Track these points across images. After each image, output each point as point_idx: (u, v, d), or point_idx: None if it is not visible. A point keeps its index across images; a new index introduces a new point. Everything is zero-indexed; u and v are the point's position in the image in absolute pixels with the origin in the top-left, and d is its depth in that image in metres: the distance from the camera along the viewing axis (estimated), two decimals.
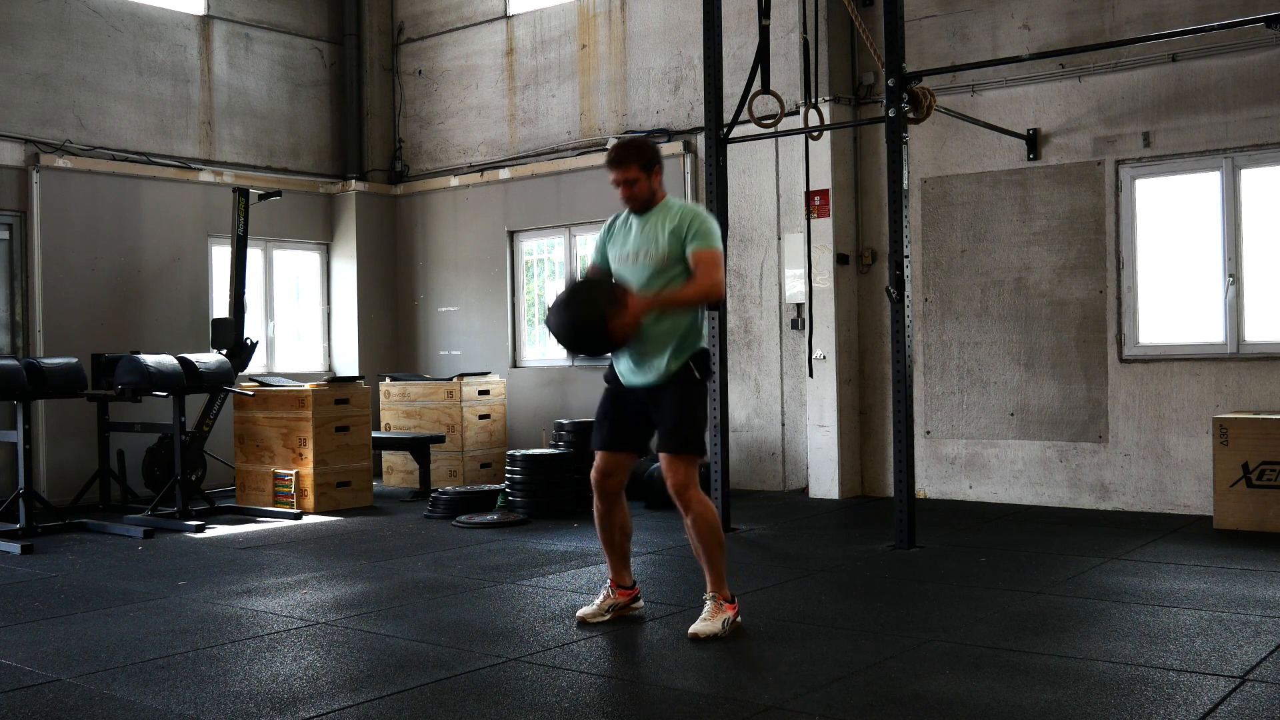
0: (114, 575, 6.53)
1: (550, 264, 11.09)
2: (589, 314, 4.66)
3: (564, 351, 4.93)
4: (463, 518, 8.16)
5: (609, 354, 4.89)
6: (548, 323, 4.81)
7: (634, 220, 4.98)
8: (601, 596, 5.19)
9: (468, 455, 10.25)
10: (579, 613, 5.16)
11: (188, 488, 8.53)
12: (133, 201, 10.20)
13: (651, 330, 4.78)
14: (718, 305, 7.09)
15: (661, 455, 4.86)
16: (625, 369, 4.94)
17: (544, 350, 11.14)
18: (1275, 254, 7.76)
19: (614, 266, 4.97)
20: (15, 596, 5.98)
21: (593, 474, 5.04)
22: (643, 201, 4.91)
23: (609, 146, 4.98)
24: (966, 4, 8.74)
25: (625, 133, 10.33)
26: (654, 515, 8.31)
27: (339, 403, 9.11)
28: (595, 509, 5.09)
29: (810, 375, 8.90)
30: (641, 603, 5.27)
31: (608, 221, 5.11)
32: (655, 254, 4.83)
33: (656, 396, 4.87)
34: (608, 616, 5.12)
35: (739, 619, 4.91)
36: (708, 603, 4.86)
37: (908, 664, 4.39)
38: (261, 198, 10.37)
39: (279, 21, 11.43)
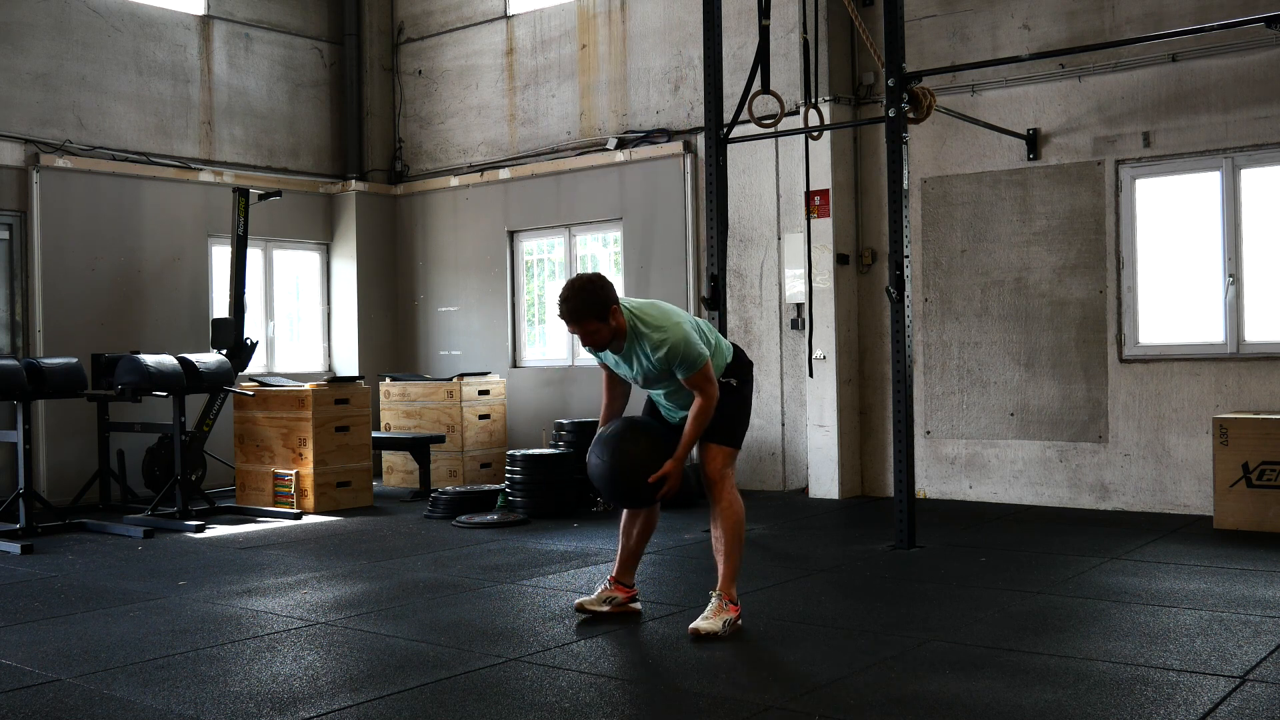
0: (114, 575, 6.53)
1: (550, 264, 11.09)
2: (635, 477, 4.82)
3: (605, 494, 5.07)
4: (463, 518, 8.16)
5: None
6: (591, 467, 4.92)
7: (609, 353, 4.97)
8: (601, 588, 5.24)
9: (468, 455, 10.25)
10: (578, 600, 5.24)
11: (188, 488, 8.53)
12: (133, 201, 10.20)
13: (678, 398, 4.96)
14: (716, 288, 7.72)
15: (705, 443, 4.93)
16: (668, 410, 5.10)
17: (544, 350, 11.14)
18: (1275, 254, 7.75)
19: (619, 374, 5.06)
20: (15, 596, 5.98)
21: None
22: (605, 345, 4.83)
23: (559, 302, 4.82)
24: (966, 4, 8.74)
25: (626, 133, 10.33)
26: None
27: (339, 403, 9.11)
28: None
29: (810, 375, 8.90)
30: (639, 604, 5.28)
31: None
32: (656, 376, 4.88)
33: None
34: (605, 608, 5.14)
35: (740, 622, 4.92)
36: (713, 600, 4.87)
37: (908, 664, 4.39)
38: (261, 198, 10.37)
39: (279, 21, 11.43)
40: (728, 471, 4.94)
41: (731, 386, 4.99)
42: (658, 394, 5.06)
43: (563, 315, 4.74)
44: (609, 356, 4.95)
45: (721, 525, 4.90)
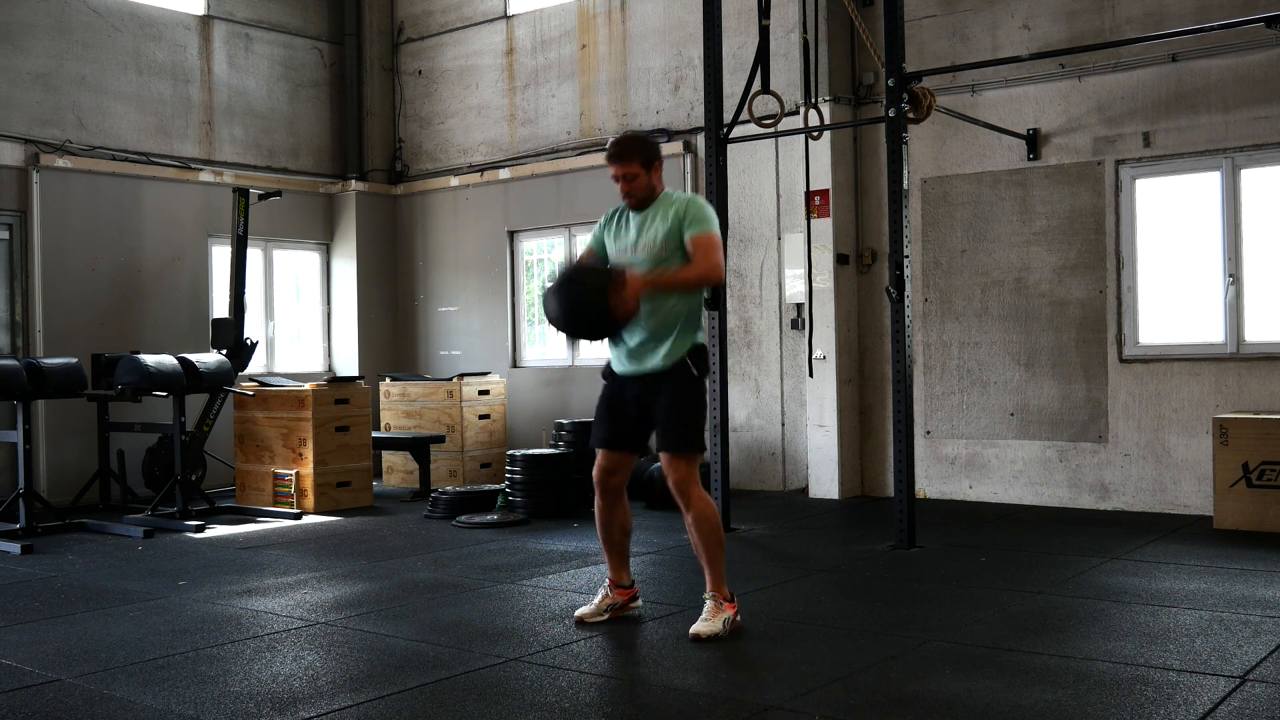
0: (114, 575, 6.53)
1: (550, 264, 11.09)
2: (586, 295, 4.67)
3: (563, 337, 4.94)
4: (463, 518, 8.16)
5: (607, 336, 4.88)
6: (546, 307, 4.81)
7: (632, 216, 4.97)
8: (600, 596, 5.19)
9: (468, 455, 10.25)
10: (577, 613, 5.16)
11: (188, 488, 8.53)
12: (133, 201, 10.20)
13: (650, 319, 4.80)
14: (717, 288, 7.29)
15: (662, 454, 4.86)
16: (623, 357, 4.94)
17: (544, 350, 11.14)
18: (1275, 254, 7.75)
19: (612, 258, 4.97)
20: (15, 596, 5.98)
21: (595, 472, 5.05)
22: (641, 198, 4.91)
23: (609, 144, 4.92)
24: (966, 4, 8.74)
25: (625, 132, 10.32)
26: (654, 515, 8.30)
27: (339, 403, 9.11)
28: (597, 507, 5.10)
29: (810, 375, 8.90)
30: (639, 603, 5.27)
31: (605, 214, 5.11)
32: (654, 244, 4.84)
33: (654, 393, 4.87)
34: (605, 616, 5.12)
35: (738, 618, 4.91)
36: (708, 602, 4.86)
37: (908, 664, 4.39)
38: (261, 198, 10.37)
39: (279, 21, 11.43)
40: (692, 476, 4.83)
41: (693, 376, 4.86)
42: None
43: (610, 154, 4.88)
44: (617, 231, 4.95)
45: (698, 529, 4.83)
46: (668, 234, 4.82)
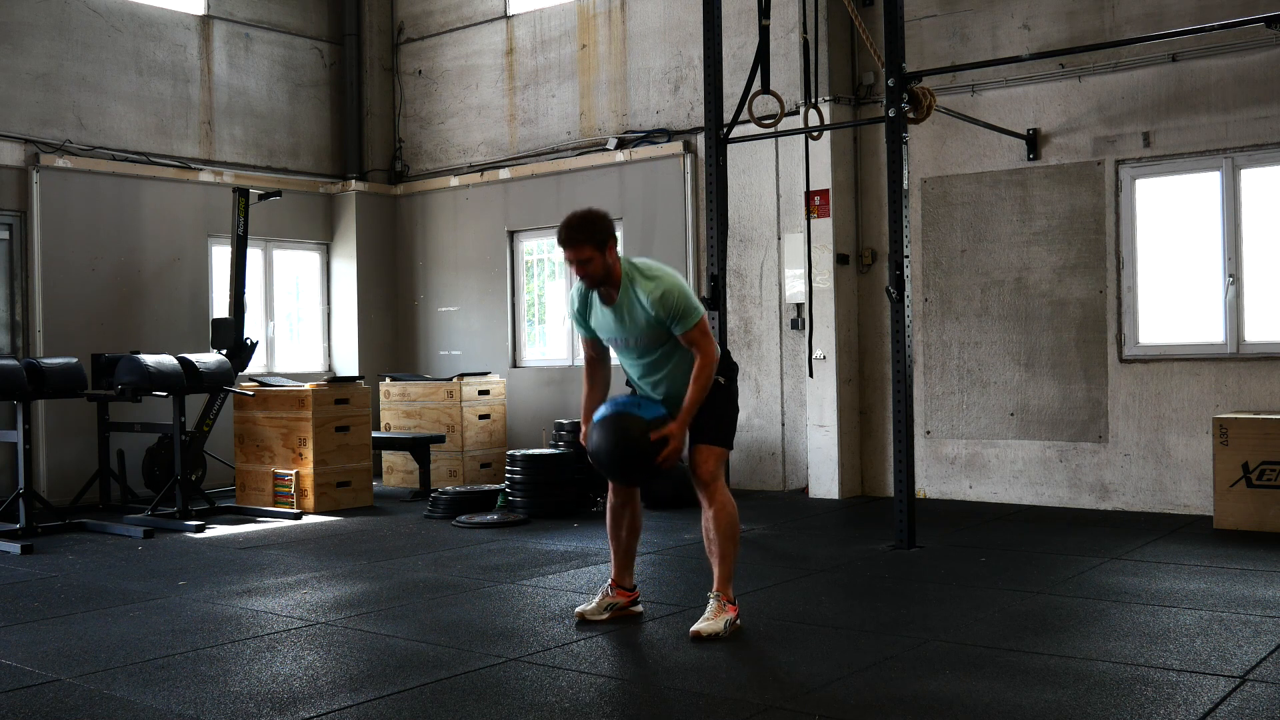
0: (114, 575, 6.53)
1: (550, 264, 11.09)
2: (634, 450, 4.77)
3: (606, 472, 5.01)
4: (463, 518, 8.15)
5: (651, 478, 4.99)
6: (593, 454, 4.88)
7: (598, 303, 4.93)
8: (600, 595, 5.20)
9: (468, 455, 10.25)
10: (578, 609, 5.18)
11: (188, 488, 8.53)
12: (133, 201, 10.20)
13: (657, 366, 4.91)
14: (716, 288, 7.59)
15: (696, 445, 4.90)
16: (645, 389, 5.04)
17: (544, 350, 11.14)
18: (1275, 254, 7.75)
19: (604, 340, 5.01)
20: (15, 596, 5.98)
21: None
22: (599, 279, 4.83)
23: (559, 228, 4.87)
24: (966, 4, 8.74)
25: (626, 133, 10.33)
26: (655, 515, 8.30)
27: (339, 403, 9.11)
28: (609, 505, 5.13)
29: (810, 375, 8.90)
30: (640, 607, 5.27)
31: (573, 295, 5.04)
32: (639, 336, 4.85)
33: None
34: (605, 616, 5.12)
35: (739, 622, 4.91)
36: (711, 601, 4.86)
37: (908, 664, 4.39)
38: (261, 198, 10.37)
39: (279, 21, 11.43)
40: (719, 472, 4.92)
41: (720, 384, 4.96)
42: (636, 370, 4.99)
43: (561, 240, 4.80)
44: (597, 314, 4.92)
45: (716, 527, 4.87)
46: (651, 325, 4.80)
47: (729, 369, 5.06)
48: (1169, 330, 8.10)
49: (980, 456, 8.74)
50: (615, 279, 4.82)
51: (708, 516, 4.89)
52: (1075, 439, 8.34)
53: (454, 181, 11.56)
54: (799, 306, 9.32)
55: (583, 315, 5.01)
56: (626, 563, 5.19)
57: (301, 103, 11.59)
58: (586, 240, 4.74)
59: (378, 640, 4.93)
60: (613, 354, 5.15)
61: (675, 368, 4.90)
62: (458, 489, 8.61)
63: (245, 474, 9.34)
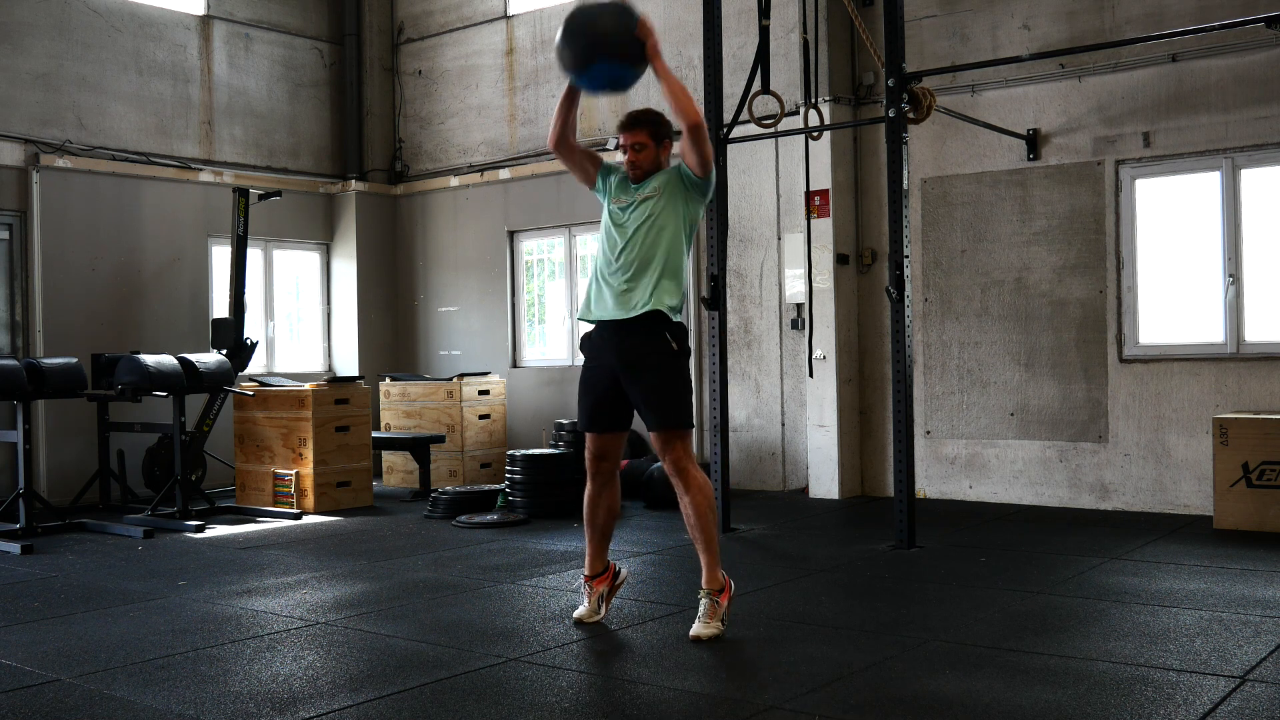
0: (114, 575, 6.53)
1: (550, 264, 11.09)
2: (611, 12, 4.68)
3: (578, 62, 4.72)
4: (463, 518, 8.16)
5: (626, 60, 4.74)
6: (567, 34, 4.69)
7: (629, 183, 4.98)
8: (584, 595, 5.16)
9: (468, 455, 10.25)
10: (575, 614, 5.14)
11: (188, 488, 8.53)
12: (133, 201, 10.20)
13: (639, 255, 4.79)
14: (716, 287, 7.47)
15: (654, 435, 4.83)
16: (606, 299, 4.87)
17: (544, 350, 11.14)
18: (1275, 254, 7.76)
19: (606, 207, 4.99)
20: (15, 596, 5.98)
21: (586, 457, 5.02)
22: (646, 170, 4.92)
23: (610, 137, 4.97)
24: (966, 4, 8.74)
25: None
26: (654, 515, 8.31)
27: (339, 403, 9.11)
28: (587, 492, 5.05)
29: (810, 375, 8.90)
30: (624, 572, 5.25)
31: (604, 164, 5.07)
32: (649, 212, 4.83)
33: (634, 369, 4.82)
34: (602, 611, 5.10)
35: (730, 605, 4.85)
36: (704, 602, 4.82)
37: (908, 664, 4.39)
38: (261, 198, 10.37)
39: (279, 21, 11.43)
40: (688, 455, 4.81)
41: (673, 350, 4.82)
42: (616, 262, 4.86)
43: (622, 123, 4.92)
44: (616, 183, 4.96)
45: (695, 508, 4.77)
46: (667, 181, 4.85)
47: (680, 334, 4.87)
48: (1169, 330, 8.11)
49: (980, 456, 8.74)
50: (656, 172, 4.92)
51: (685, 502, 4.80)
52: (1075, 439, 8.34)
53: (454, 181, 11.56)
54: (799, 306, 9.32)
55: (605, 181, 5.03)
56: (602, 545, 5.08)
57: (301, 103, 11.60)
58: (646, 127, 4.88)
59: (378, 640, 4.93)
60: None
61: (647, 239, 4.83)
62: (458, 489, 8.61)
63: (245, 474, 9.34)
